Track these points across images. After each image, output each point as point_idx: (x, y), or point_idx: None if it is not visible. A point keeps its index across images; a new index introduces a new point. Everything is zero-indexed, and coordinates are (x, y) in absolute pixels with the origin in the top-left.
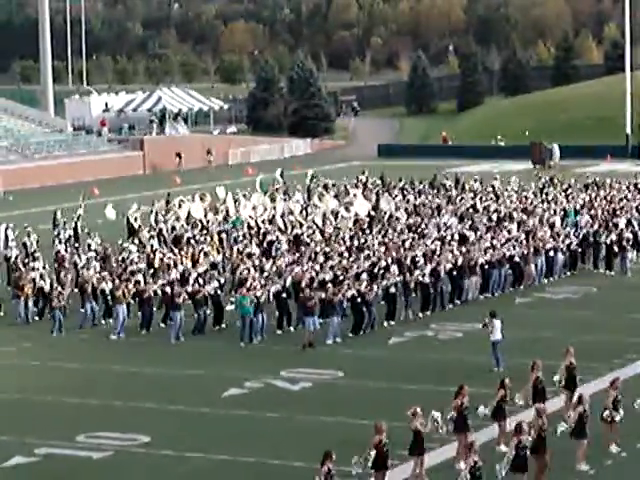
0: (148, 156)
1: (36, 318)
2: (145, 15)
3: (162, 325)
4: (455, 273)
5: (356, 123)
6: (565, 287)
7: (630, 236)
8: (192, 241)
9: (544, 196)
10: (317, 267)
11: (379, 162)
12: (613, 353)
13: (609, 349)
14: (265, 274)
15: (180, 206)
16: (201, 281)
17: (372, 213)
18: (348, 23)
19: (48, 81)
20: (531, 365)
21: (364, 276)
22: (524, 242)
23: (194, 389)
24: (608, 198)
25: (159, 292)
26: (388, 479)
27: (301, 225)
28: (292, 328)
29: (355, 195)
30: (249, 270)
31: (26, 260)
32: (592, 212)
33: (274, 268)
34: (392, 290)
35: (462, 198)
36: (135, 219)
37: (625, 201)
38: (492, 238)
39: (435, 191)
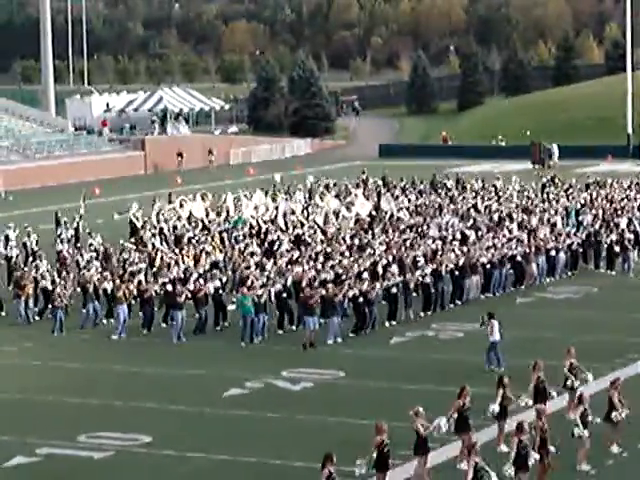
0: (149, 156)
1: (37, 318)
2: (146, 15)
3: (163, 325)
4: (456, 273)
5: (356, 123)
6: (566, 287)
7: (631, 236)
8: (193, 240)
9: (545, 195)
10: (318, 267)
11: (380, 162)
12: (614, 353)
13: (610, 349)
14: (266, 274)
15: (182, 206)
16: (202, 281)
17: (373, 213)
18: (349, 23)
19: (49, 81)
20: (532, 365)
21: (365, 275)
22: (526, 241)
23: (195, 389)
24: (609, 198)
25: (160, 291)
26: (389, 479)
27: (302, 225)
28: (294, 327)
29: (356, 195)
30: (249, 269)
31: (27, 260)
32: (593, 211)
33: (275, 268)
34: (393, 290)
35: (463, 198)
36: (137, 219)
37: (626, 201)
38: (493, 238)
39: (435, 191)
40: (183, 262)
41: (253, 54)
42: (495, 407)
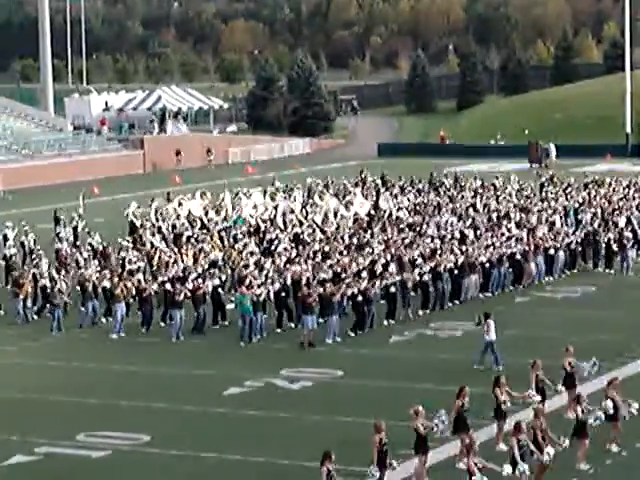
0: (148, 155)
1: (35, 317)
2: (145, 14)
3: (162, 324)
4: (455, 272)
5: (355, 122)
6: (565, 286)
7: (630, 235)
8: (192, 239)
9: (544, 195)
10: (316, 266)
11: (379, 161)
12: (613, 352)
13: (609, 348)
14: (265, 273)
15: (180, 204)
16: (200, 280)
17: (372, 212)
18: (348, 22)
19: (48, 80)
20: (531, 364)
21: (364, 274)
22: (525, 240)
23: (194, 388)
24: (607, 197)
25: (159, 290)
26: (388, 479)
27: (301, 224)
28: (293, 325)
29: (355, 194)
30: (247, 268)
31: (24, 259)
32: (592, 210)
33: (273, 267)
34: (392, 289)
35: (462, 197)
36: (136, 217)
37: (624, 200)
38: (492, 237)
39: (434, 190)
40: (182, 261)
41: (252, 53)
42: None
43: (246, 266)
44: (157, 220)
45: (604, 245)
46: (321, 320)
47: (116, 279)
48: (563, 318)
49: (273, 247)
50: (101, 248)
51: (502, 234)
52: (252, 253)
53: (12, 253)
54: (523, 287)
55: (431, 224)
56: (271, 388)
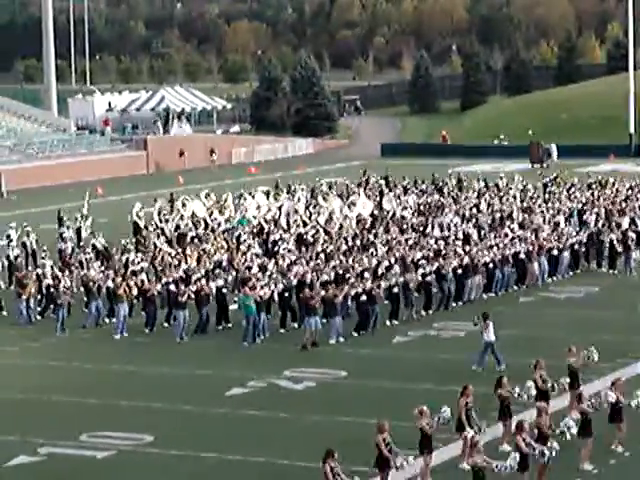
0: (152, 155)
1: (38, 317)
2: (148, 15)
3: (165, 324)
4: (460, 272)
5: (359, 122)
6: (568, 286)
7: (634, 236)
8: (196, 240)
9: (547, 195)
10: (320, 266)
11: (382, 161)
12: (616, 352)
13: (612, 348)
14: (268, 273)
15: (184, 205)
16: (204, 281)
17: (375, 212)
18: (351, 23)
19: (51, 80)
20: (534, 364)
21: (367, 275)
22: (530, 240)
23: (197, 389)
24: (611, 197)
25: (163, 291)
26: (391, 478)
27: (305, 224)
28: (296, 325)
29: (359, 194)
30: (250, 269)
31: (27, 260)
32: (595, 210)
33: (277, 268)
34: (395, 290)
35: (466, 197)
36: (139, 218)
37: (628, 200)
38: (495, 237)
39: (438, 190)
40: (185, 262)
41: (255, 54)
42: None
43: (249, 267)
44: (160, 221)
45: (607, 245)
46: (324, 321)
47: (119, 279)
48: (566, 318)
49: (277, 248)
50: (102, 248)
51: (505, 235)
52: (256, 254)
53: (16, 254)
54: (526, 287)
55: (434, 225)
56: (274, 388)
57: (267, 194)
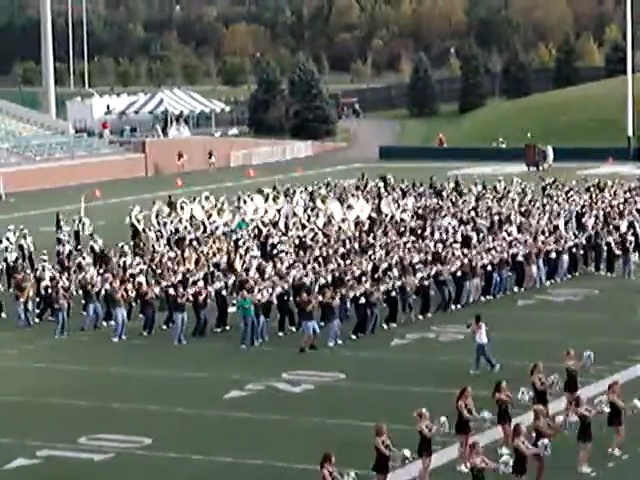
0: (150, 158)
1: (37, 320)
2: (147, 17)
3: (164, 327)
4: (459, 275)
5: (357, 125)
6: (567, 289)
7: (632, 239)
8: (194, 243)
9: (546, 198)
10: (317, 270)
11: (380, 164)
12: (614, 355)
13: (611, 351)
14: (266, 276)
15: (182, 208)
16: (202, 283)
17: (373, 215)
18: (350, 25)
19: (50, 83)
20: (531, 367)
21: (365, 277)
22: (528, 243)
23: (195, 391)
24: (607, 200)
25: (161, 294)
26: None
27: (303, 227)
28: (293, 328)
29: (357, 197)
30: (249, 272)
31: (24, 262)
32: (594, 213)
33: (275, 271)
34: (393, 293)
35: (464, 200)
36: (138, 221)
37: (626, 203)
38: (493, 240)
39: (437, 194)
40: (184, 264)
41: (254, 56)
42: (488, 415)
43: (247, 270)
44: (158, 223)
45: (605, 248)
46: (322, 324)
47: (116, 283)
48: (565, 321)
49: (275, 251)
50: (98, 251)
51: (503, 238)
52: (254, 257)
53: (14, 258)
54: (524, 290)
55: (432, 228)
56: (272, 391)
57: (266, 197)
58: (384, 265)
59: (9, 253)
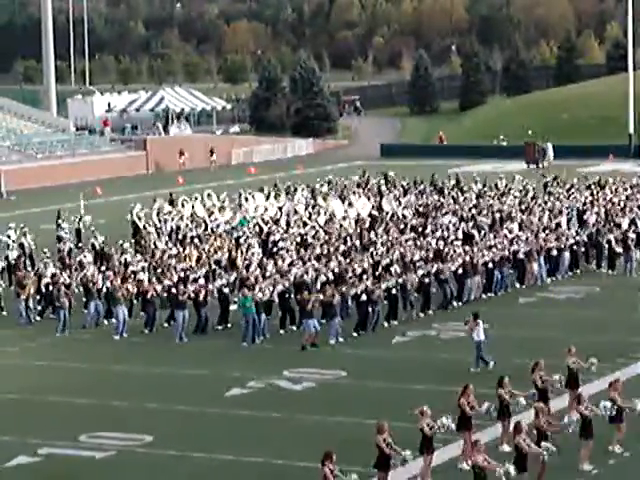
0: (151, 156)
1: (38, 318)
2: (148, 15)
3: (165, 325)
4: (460, 272)
5: (358, 123)
6: (568, 287)
7: (634, 236)
8: (196, 240)
9: (548, 196)
10: (318, 267)
11: (381, 162)
12: (616, 353)
13: (612, 349)
14: (268, 274)
15: (183, 205)
16: (202, 281)
17: (374, 213)
18: (351, 23)
19: (51, 81)
20: (533, 365)
21: (367, 275)
22: (529, 240)
23: (197, 389)
24: (608, 198)
25: (162, 292)
26: (391, 479)
27: (305, 225)
28: (294, 327)
29: (359, 195)
30: (250, 270)
31: (25, 260)
32: (595, 210)
33: (276, 268)
34: (393, 291)
35: (465, 198)
36: (139, 218)
37: (627, 201)
38: (494, 237)
39: (438, 191)
40: (185, 262)
41: (255, 54)
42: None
43: (248, 267)
44: (159, 221)
45: (606, 246)
46: (323, 321)
47: (117, 281)
48: (566, 319)
49: (276, 249)
50: (99, 248)
51: (505, 235)
52: (255, 254)
53: (15, 255)
54: (526, 287)
55: (434, 225)
56: (274, 389)
57: (267, 195)
58: (385, 262)
59: (10, 251)
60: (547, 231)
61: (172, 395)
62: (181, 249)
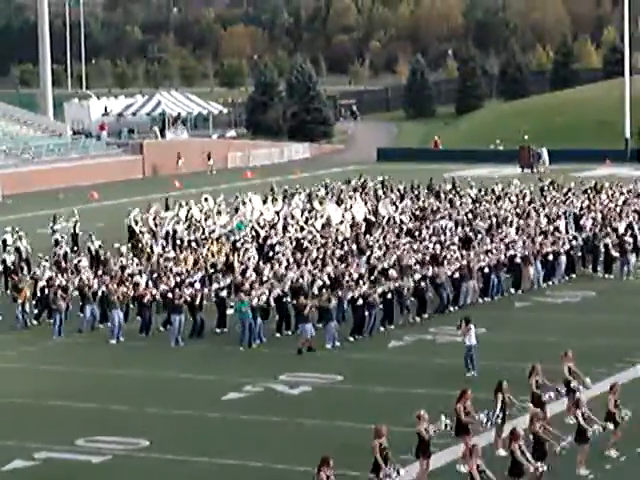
0: (148, 160)
1: (34, 322)
2: (144, 19)
3: (161, 329)
4: (455, 277)
5: (355, 127)
6: (565, 291)
7: (631, 240)
8: (193, 244)
9: (545, 200)
10: (314, 272)
11: (378, 166)
12: (613, 357)
13: (609, 353)
14: (264, 278)
15: (181, 206)
16: (198, 285)
17: (370, 217)
18: (347, 27)
19: (47, 85)
20: (530, 369)
21: (363, 279)
22: (526, 244)
23: (193, 393)
24: (605, 202)
25: (159, 296)
26: None
27: (302, 229)
28: (289, 332)
29: (355, 199)
30: (246, 274)
31: (20, 264)
32: (592, 215)
33: (272, 273)
34: (389, 295)
35: (461, 203)
36: (136, 222)
37: (624, 205)
38: (491, 242)
39: (435, 195)
40: (181, 265)
41: (251, 58)
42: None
43: (244, 271)
44: (155, 225)
45: (603, 250)
46: (319, 325)
47: (113, 285)
48: (562, 323)
49: (272, 253)
50: (95, 252)
51: (501, 239)
52: (251, 259)
53: (12, 259)
54: (522, 292)
55: (430, 229)
56: (270, 393)
57: (264, 199)
58: (381, 266)
59: (7, 255)
60: (543, 235)
61: (169, 399)
62: (178, 252)
